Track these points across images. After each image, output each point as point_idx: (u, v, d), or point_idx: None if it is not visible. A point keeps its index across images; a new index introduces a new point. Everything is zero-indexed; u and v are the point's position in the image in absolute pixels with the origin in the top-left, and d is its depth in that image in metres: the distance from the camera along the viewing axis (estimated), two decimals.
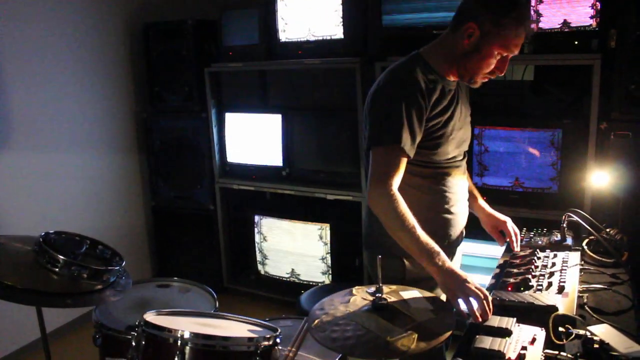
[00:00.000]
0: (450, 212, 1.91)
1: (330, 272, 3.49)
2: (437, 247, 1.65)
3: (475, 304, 1.50)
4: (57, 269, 1.86)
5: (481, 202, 2.16)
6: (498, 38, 1.71)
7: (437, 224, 1.88)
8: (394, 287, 1.62)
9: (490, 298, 1.53)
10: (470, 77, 1.82)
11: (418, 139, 1.76)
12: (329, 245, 3.46)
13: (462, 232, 2.02)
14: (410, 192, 1.79)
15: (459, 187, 1.94)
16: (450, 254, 1.89)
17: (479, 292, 1.52)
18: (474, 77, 1.81)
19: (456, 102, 1.87)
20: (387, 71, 1.85)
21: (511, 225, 2.06)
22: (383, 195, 1.70)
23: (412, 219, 1.68)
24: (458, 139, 1.89)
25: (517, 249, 2.00)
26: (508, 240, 2.04)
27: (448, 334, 1.39)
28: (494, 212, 2.12)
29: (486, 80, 1.83)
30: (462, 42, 1.76)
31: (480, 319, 1.48)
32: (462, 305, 1.54)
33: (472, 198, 2.14)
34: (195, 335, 1.53)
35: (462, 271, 1.62)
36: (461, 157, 1.96)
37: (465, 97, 1.98)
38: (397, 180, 1.72)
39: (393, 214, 1.68)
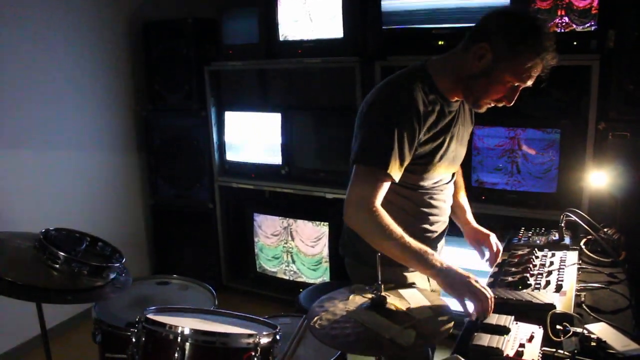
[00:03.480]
0: (430, 231, 1.86)
1: (328, 270, 3.50)
2: (429, 250, 1.62)
3: (479, 303, 1.49)
4: (57, 266, 1.87)
5: (469, 216, 2.09)
6: (511, 65, 1.59)
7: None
8: (392, 285, 1.63)
9: (494, 296, 1.52)
10: (474, 101, 1.71)
11: (406, 163, 1.67)
12: (327, 243, 3.47)
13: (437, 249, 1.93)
14: (390, 209, 1.67)
15: (442, 208, 1.88)
16: None
17: (485, 291, 1.51)
18: (478, 102, 1.70)
19: (454, 124, 1.77)
20: (386, 82, 1.74)
21: (495, 241, 1.99)
22: (365, 214, 1.62)
23: (398, 229, 1.61)
24: (448, 163, 1.80)
25: (491, 267, 1.90)
26: (488, 255, 1.97)
27: (446, 331, 1.40)
28: (479, 226, 2.06)
29: (491, 106, 1.73)
30: (472, 62, 1.64)
31: (484, 317, 1.48)
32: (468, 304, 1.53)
33: (460, 210, 2.08)
34: (195, 332, 1.54)
35: (462, 269, 1.60)
36: (448, 179, 1.88)
37: (469, 115, 1.89)
38: (379, 201, 1.64)
39: (378, 229, 1.61)
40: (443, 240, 1.99)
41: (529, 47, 1.57)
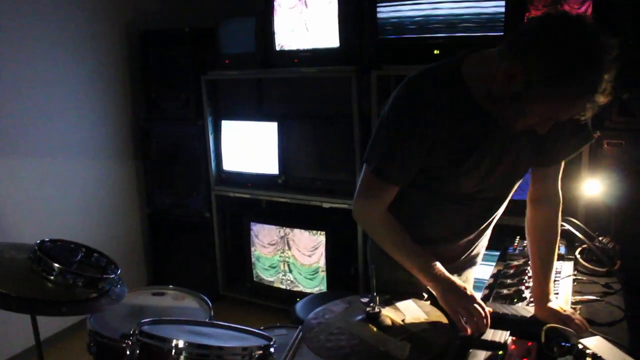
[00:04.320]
0: (448, 242, 1.72)
1: (325, 280, 3.49)
2: (432, 259, 1.57)
3: (471, 321, 1.45)
4: (52, 277, 1.86)
5: (544, 287, 1.63)
6: (545, 98, 1.25)
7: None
8: (388, 296, 1.62)
9: (489, 313, 1.48)
10: (503, 124, 1.42)
11: (416, 167, 1.54)
12: (324, 253, 3.47)
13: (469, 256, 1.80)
14: (408, 211, 1.63)
15: (471, 223, 1.70)
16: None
17: (480, 309, 1.46)
18: (507, 124, 1.41)
19: (493, 139, 1.49)
20: (410, 79, 1.52)
21: (577, 317, 1.54)
22: (368, 216, 1.63)
23: (400, 234, 1.59)
24: (478, 182, 1.57)
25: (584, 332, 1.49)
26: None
27: (442, 344, 1.39)
28: (554, 305, 1.59)
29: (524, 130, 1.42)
30: (501, 80, 1.31)
31: (480, 334, 1.46)
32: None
33: (534, 274, 1.68)
34: (189, 345, 1.53)
35: (461, 282, 1.56)
36: (486, 195, 1.63)
37: (531, 138, 1.50)
38: (385, 203, 1.59)
39: (380, 231, 1.63)
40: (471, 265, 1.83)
41: (571, 86, 1.21)
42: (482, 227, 1.74)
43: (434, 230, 1.70)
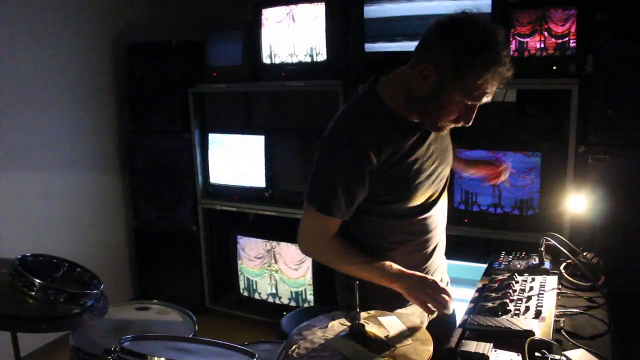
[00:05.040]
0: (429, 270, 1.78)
1: (312, 293, 3.48)
2: (387, 262, 1.62)
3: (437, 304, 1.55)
4: (33, 293, 1.84)
5: None
6: (459, 85, 1.42)
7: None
8: (372, 312, 1.62)
9: (449, 290, 1.57)
10: (431, 124, 1.55)
11: (360, 198, 1.59)
12: (311, 266, 3.45)
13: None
14: (388, 255, 1.66)
15: (437, 230, 1.76)
16: None
17: (439, 288, 1.55)
18: (436, 124, 1.54)
19: (424, 144, 1.62)
20: (336, 118, 1.64)
21: None
22: (318, 248, 1.67)
23: (355, 253, 1.63)
24: (427, 186, 1.65)
25: None
26: None
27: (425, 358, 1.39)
28: None
29: (453, 126, 1.58)
30: (418, 84, 1.48)
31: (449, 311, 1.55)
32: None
33: None
34: None
35: (419, 273, 1.63)
36: (435, 197, 1.72)
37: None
38: (331, 234, 1.62)
39: (334, 258, 1.66)
40: None
41: (476, 65, 1.39)
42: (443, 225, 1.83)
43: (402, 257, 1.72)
